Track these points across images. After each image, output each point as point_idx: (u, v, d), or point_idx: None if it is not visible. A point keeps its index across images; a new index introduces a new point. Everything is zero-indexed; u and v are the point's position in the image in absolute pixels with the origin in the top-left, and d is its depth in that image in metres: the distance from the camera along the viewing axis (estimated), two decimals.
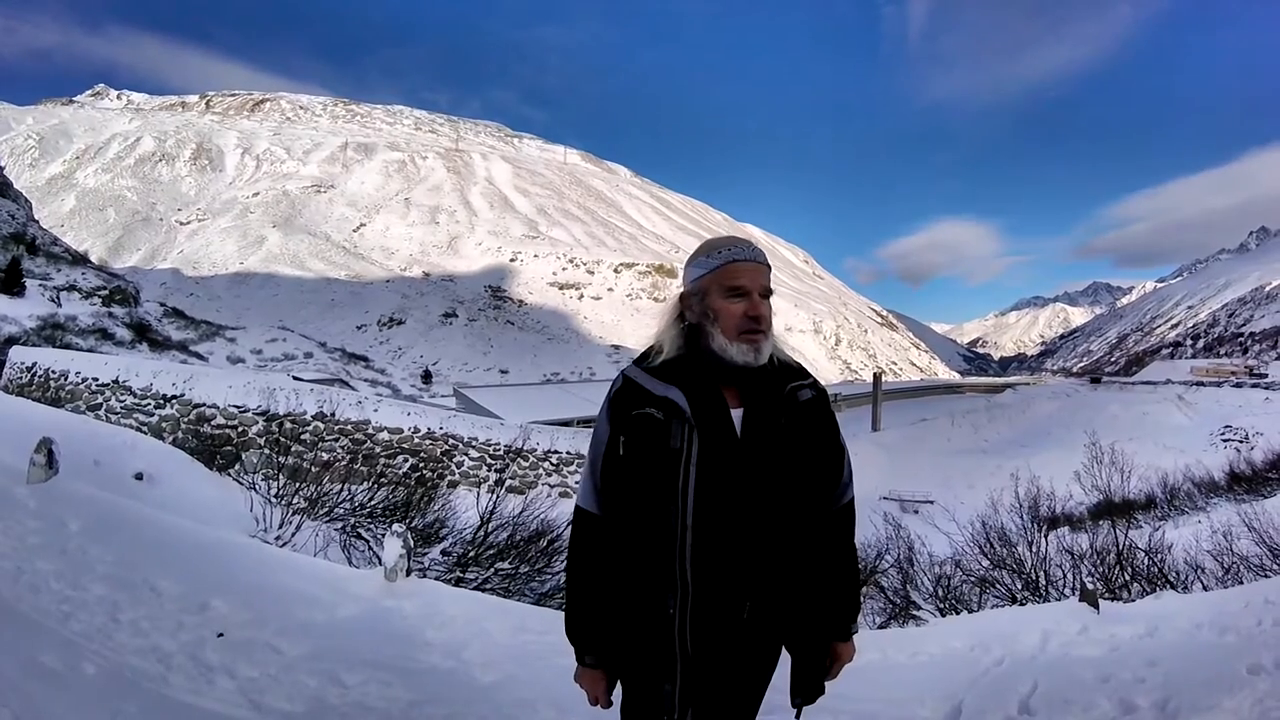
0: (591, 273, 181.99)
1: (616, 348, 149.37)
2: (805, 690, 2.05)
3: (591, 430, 2.12)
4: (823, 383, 2.10)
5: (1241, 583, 8.03)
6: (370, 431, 22.99)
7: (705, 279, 1.98)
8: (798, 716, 2.13)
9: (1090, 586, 5.30)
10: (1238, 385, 64.52)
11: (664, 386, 1.92)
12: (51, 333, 46.92)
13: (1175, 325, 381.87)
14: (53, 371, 24.55)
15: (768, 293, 1.98)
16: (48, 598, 4.02)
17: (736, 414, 1.92)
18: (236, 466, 15.16)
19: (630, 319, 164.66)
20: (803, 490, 1.94)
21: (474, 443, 24.39)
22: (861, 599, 2.11)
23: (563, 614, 2.11)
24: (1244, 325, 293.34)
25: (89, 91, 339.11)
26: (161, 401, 22.25)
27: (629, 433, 1.94)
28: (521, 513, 10.89)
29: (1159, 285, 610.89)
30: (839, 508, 2.11)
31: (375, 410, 23.65)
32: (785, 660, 2.08)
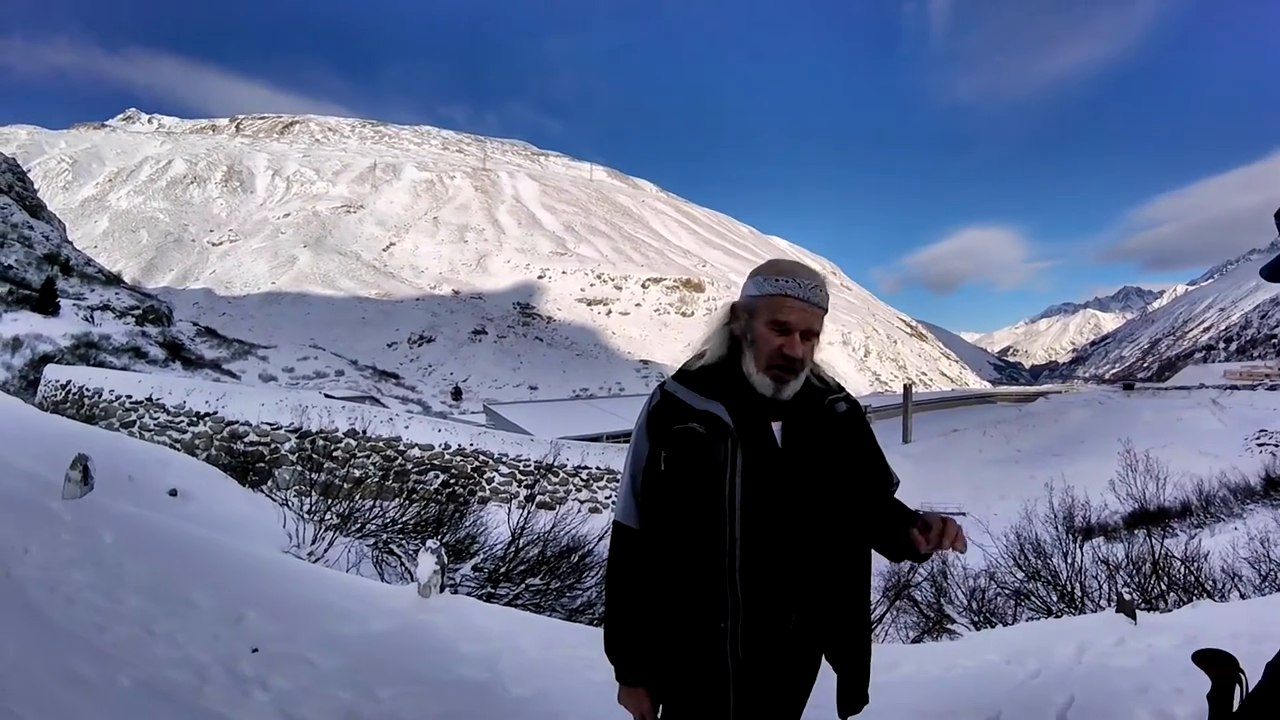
0: (619, 288, 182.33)
1: (645, 363, 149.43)
2: (850, 701, 2.04)
3: (621, 445, 2.11)
4: (853, 395, 2.12)
5: (1279, 590, 7.94)
6: (401, 448, 23.11)
7: (758, 301, 1.96)
8: None
9: (1127, 597, 5.25)
10: (1272, 388, 63.68)
11: (705, 401, 1.92)
12: (85, 351, 47.46)
13: (1207, 328, 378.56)
14: (87, 389, 24.88)
15: (812, 334, 1.95)
16: (83, 609, 4.06)
17: (775, 426, 1.92)
18: (269, 483, 15.29)
19: (658, 334, 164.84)
20: (844, 499, 1.94)
21: (504, 459, 24.46)
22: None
23: (594, 629, 2.11)
24: (1276, 326, 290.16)
25: (120, 115, 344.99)
26: (195, 419, 22.48)
27: (670, 448, 1.93)
28: (552, 528, 10.90)
29: (1190, 288, 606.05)
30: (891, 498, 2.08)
31: (406, 427, 23.77)
32: (824, 675, 2.07)
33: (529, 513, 10.54)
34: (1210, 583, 8.53)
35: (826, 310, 2.00)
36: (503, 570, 9.24)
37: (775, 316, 1.92)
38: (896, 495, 2.14)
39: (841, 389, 2.07)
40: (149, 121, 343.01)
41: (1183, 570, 8.75)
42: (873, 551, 2.08)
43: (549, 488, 24.62)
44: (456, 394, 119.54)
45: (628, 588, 2.05)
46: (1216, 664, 1.79)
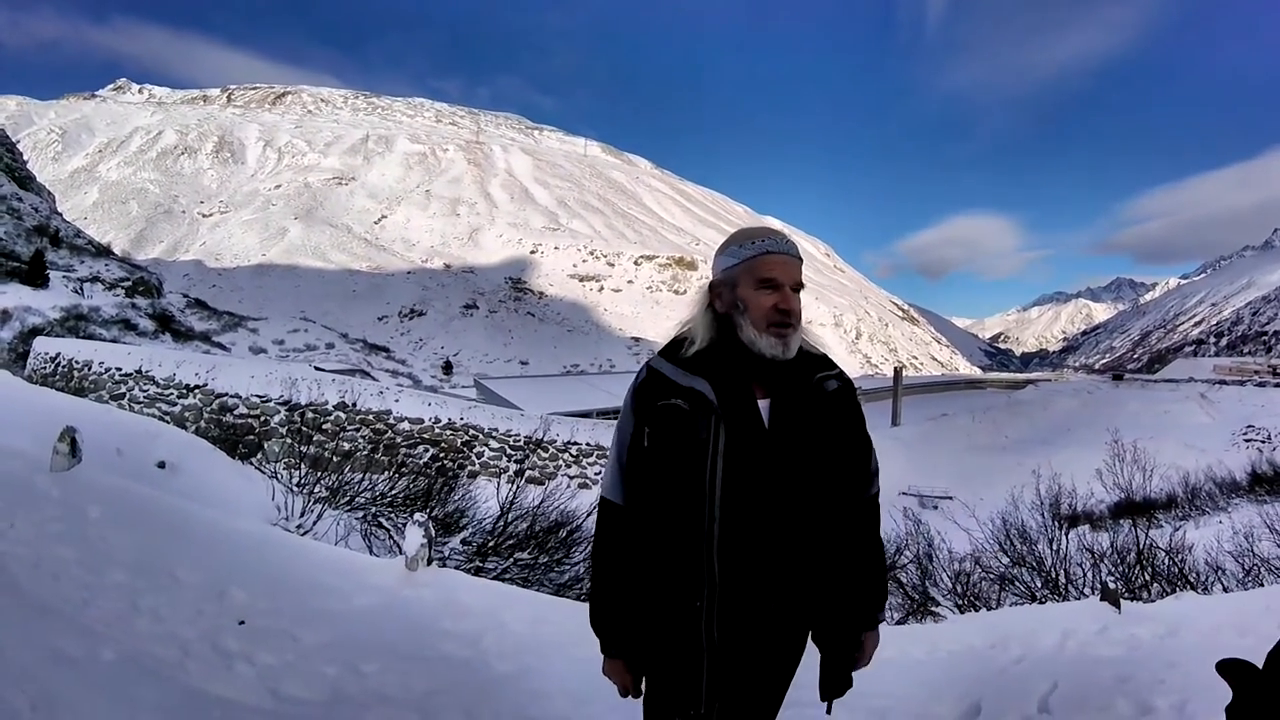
0: (611, 265, 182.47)
1: (636, 340, 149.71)
2: (834, 684, 2.04)
3: (610, 422, 2.10)
4: (844, 372, 2.08)
5: (1263, 585, 7.99)
6: (391, 421, 23.12)
7: (737, 269, 1.95)
8: (829, 711, 2.11)
9: (1111, 586, 5.27)
10: (1260, 384, 63.89)
11: (690, 377, 1.90)
12: (75, 323, 47.35)
13: (1198, 323, 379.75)
14: (76, 361, 24.80)
15: (799, 286, 1.95)
16: (68, 585, 4.04)
17: (763, 404, 1.90)
18: (259, 455, 15.28)
19: (650, 311, 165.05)
20: (830, 480, 1.92)
21: (494, 433, 24.48)
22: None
23: (581, 604, 2.11)
24: (1268, 324, 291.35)
25: (111, 86, 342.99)
26: (184, 391, 22.45)
27: (654, 424, 1.92)
28: (541, 503, 10.92)
29: (1182, 282, 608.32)
30: (866, 498, 2.09)
31: (396, 400, 23.78)
32: (808, 656, 2.07)
33: (518, 487, 10.56)
34: (1194, 575, 8.57)
35: (802, 260, 2.00)
36: (491, 544, 9.25)
37: (762, 275, 1.91)
38: (880, 489, 2.15)
39: (832, 364, 2.04)
40: (140, 92, 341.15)
41: (1167, 561, 8.80)
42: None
43: (538, 463, 24.66)
44: (447, 368, 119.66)
45: (612, 563, 2.04)
46: (1240, 676, 1.75)
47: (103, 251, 69.56)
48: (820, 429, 1.92)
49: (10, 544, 4.33)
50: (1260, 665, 1.72)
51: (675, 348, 2.02)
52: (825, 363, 2.03)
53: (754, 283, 1.92)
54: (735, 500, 1.83)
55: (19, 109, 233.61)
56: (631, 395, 2.03)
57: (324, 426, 21.90)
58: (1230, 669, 1.74)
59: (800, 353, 1.97)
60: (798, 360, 1.96)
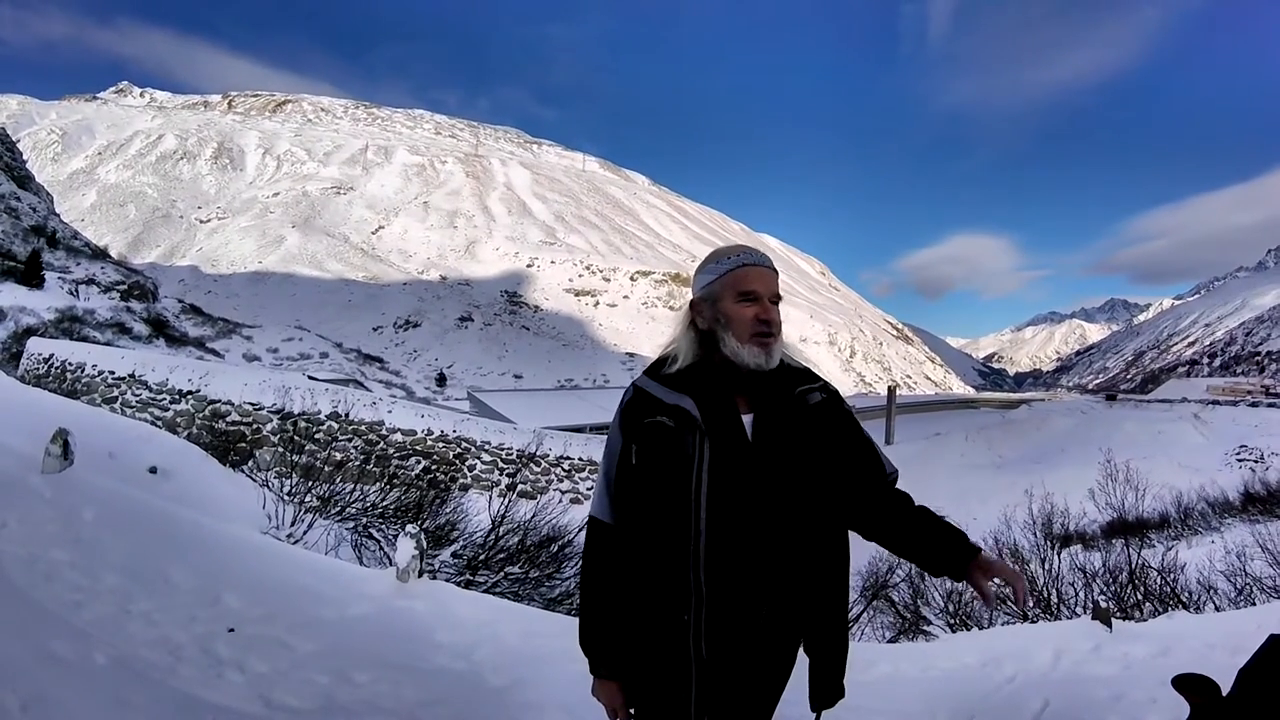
0: (608, 280, 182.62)
1: (631, 355, 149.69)
2: (824, 694, 2.02)
3: (604, 437, 2.11)
4: (829, 384, 2.09)
5: (1254, 604, 7.97)
6: (384, 432, 23.03)
7: (716, 285, 1.99)
8: None
9: (1103, 605, 5.27)
10: (1254, 405, 63.88)
11: (675, 395, 1.93)
12: (69, 325, 47.22)
13: (1192, 343, 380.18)
14: (70, 363, 24.70)
15: (777, 298, 1.99)
16: (60, 586, 4.03)
17: (747, 419, 1.92)
18: (250, 463, 15.22)
19: (645, 327, 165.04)
20: (817, 492, 1.93)
21: (487, 446, 24.40)
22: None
23: (572, 619, 2.10)
24: (1261, 344, 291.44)
25: (112, 88, 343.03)
26: (177, 396, 22.36)
27: (641, 441, 1.94)
28: (533, 517, 10.89)
29: (1176, 303, 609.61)
30: (887, 486, 2.09)
31: (389, 411, 23.68)
32: (798, 669, 2.07)
33: (510, 501, 10.54)
34: (1186, 594, 8.57)
35: (779, 273, 2.05)
36: (482, 558, 9.22)
37: (741, 288, 1.95)
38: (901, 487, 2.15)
39: (815, 377, 2.06)
40: (141, 95, 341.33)
41: (1159, 581, 8.80)
42: (851, 549, 2.08)
43: (530, 477, 24.57)
44: (441, 380, 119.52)
45: (601, 581, 2.05)
46: (1197, 691, 1.76)
47: (99, 254, 69.54)
48: (803, 441, 1.94)
49: (4, 543, 4.33)
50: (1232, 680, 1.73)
51: (660, 366, 2.05)
52: (808, 376, 2.05)
53: (734, 296, 1.96)
54: (720, 513, 1.84)
55: (20, 108, 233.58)
56: (619, 415, 2.05)
57: (316, 436, 21.82)
58: (1187, 684, 1.75)
59: (782, 366, 2.00)
60: (780, 374, 1.98)
